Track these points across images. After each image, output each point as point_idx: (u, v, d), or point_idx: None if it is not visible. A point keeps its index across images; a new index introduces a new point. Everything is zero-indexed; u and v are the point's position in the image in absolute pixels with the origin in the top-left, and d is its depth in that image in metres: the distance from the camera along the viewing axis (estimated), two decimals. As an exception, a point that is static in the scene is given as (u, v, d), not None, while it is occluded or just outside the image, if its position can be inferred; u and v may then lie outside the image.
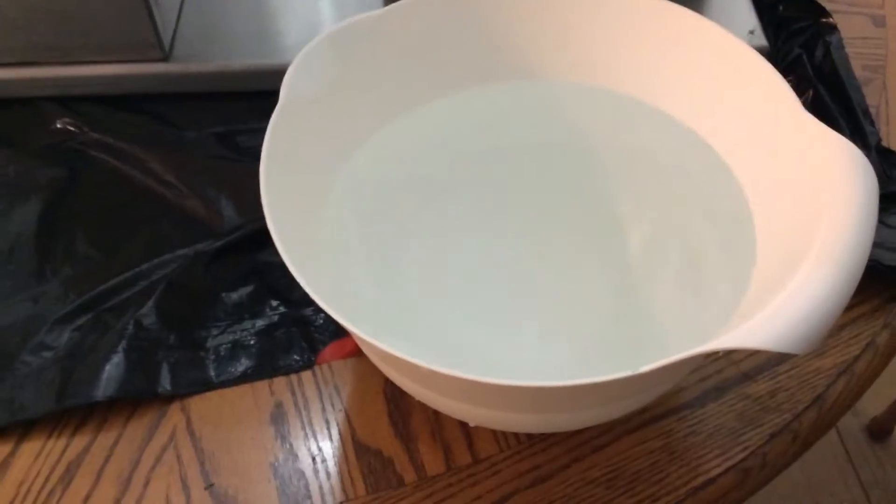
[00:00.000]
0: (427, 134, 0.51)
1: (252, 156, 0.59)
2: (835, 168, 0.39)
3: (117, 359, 0.48)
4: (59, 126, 0.61)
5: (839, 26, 0.64)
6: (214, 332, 0.51)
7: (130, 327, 0.50)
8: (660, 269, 0.46)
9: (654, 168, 0.49)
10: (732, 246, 0.45)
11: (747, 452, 0.46)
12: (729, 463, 0.46)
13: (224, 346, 0.50)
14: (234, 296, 0.53)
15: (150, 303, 0.51)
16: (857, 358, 0.49)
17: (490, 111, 0.52)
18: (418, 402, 0.47)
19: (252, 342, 0.51)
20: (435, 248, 0.48)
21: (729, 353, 0.49)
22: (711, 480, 0.45)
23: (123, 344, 0.49)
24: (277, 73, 0.62)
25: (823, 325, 0.34)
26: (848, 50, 0.63)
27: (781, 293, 0.35)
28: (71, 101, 0.62)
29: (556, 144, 0.51)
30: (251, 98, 0.63)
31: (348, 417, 0.48)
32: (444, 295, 0.46)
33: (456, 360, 0.41)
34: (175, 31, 0.63)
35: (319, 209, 0.47)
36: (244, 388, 0.49)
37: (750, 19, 0.62)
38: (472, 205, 0.49)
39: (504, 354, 0.44)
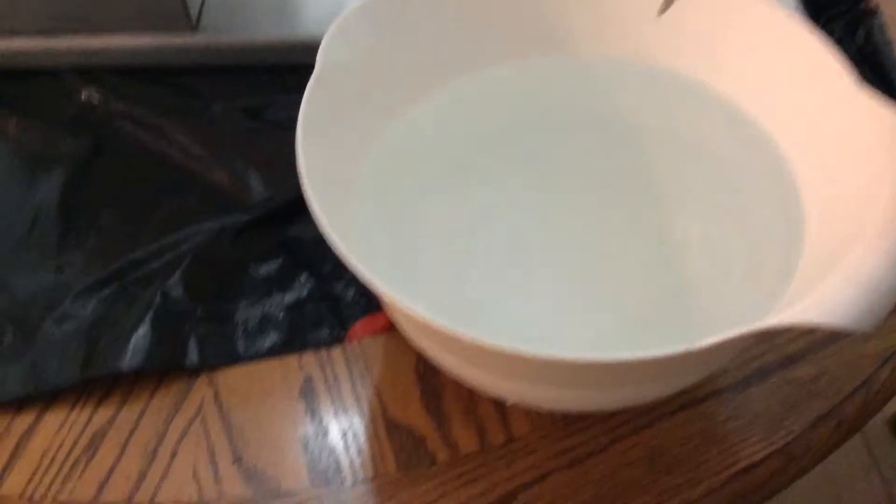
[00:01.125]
0: (461, 107, 0.49)
1: (281, 128, 0.58)
2: (890, 144, 0.37)
3: (143, 330, 0.47)
4: (83, 97, 0.60)
5: (881, 9, 0.63)
6: (242, 305, 0.50)
7: (157, 299, 0.48)
8: (705, 246, 0.45)
9: (698, 145, 0.48)
10: (781, 224, 0.43)
11: (791, 438, 0.45)
12: (771, 448, 0.44)
13: (252, 319, 0.49)
14: (263, 269, 0.51)
15: (177, 275, 0.50)
16: (902, 343, 0.48)
17: (527, 85, 0.51)
18: (451, 380, 0.46)
19: (281, 316, 0.49)
20: (470, 223, 0.47)
21: (771, 337, 0.48)
22: (753, 465, 0.44)
23: (150, 315, 0.48)
24: (305, 47, 0.61)
25: (887, 300, 0.32)
26: (891, 34, 0.62)
27: (841, 268, 0.33)
28: (96, 72, 0.61)
29: (597, 121, 0.50)
30: (278, 72, 0.62)
31: (379, 394, 0.47)
32: (478, 269, 0.45)
33: (492, 334, 0.40)
34: (203, 2, 0.62)
35: (352, 180, 0.46)
36: (273, 363, 0.48)
37: (788, 1, 0.60)
38: (508, 179, 0.48)
39: (543, 328, 0.43)
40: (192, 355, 0.47)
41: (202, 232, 0.53)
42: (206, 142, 0.57)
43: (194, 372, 0.47)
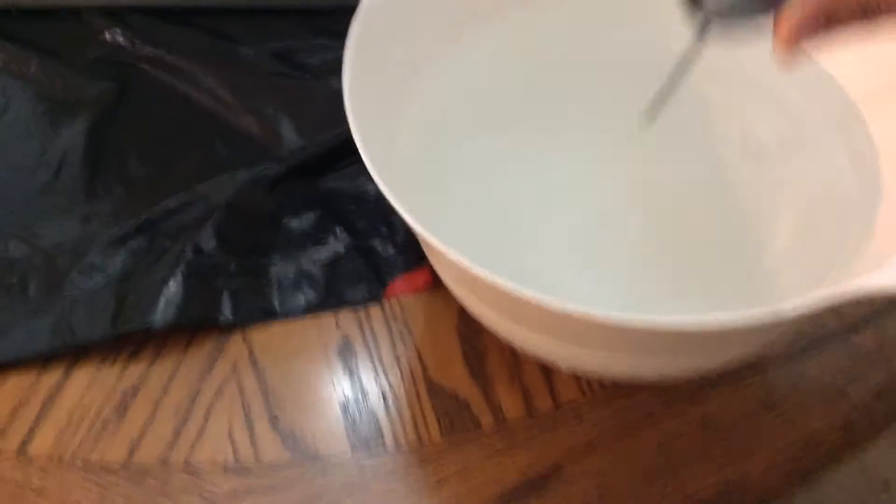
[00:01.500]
0: (510, 45, 0.46)
1: (313, 74, 0.56)
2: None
3: (175, 284, 0.45)
4: (108, 38, 0.57)
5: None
6: (277, 259, 0.48)
7: (188, 251, 0.46)
8: (770, 208, 0.42)
9: (765, 98, 0.45)
10: (855, 187, 0.41)
11: (852, 408, 0.43)
12: (832, 419, 0.42)
13: (287, 275, 0.47)
14: (297, 223, 0.49)
15: (209, 226, 0.48)
16: (969, 311, 0.45)
17: (579, 20, 0.47)
18: (494, 341, 0.44)
19: (316, 272, 0.47)
20: (515, 171, 0.44)
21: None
22: (813, 436, 0.42)
23: (181, 269, 0.46)
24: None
25: None
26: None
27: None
28: (120, 12, 0.58)
29: (655, 63, 0.47)
30: (307, 15, 0.59)
31: (420, 356, 0.45)
32: (524, 222, 0.43)
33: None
34: (232, -60, 0.59)
35: (394, 121, 0.43)
36: (309, 321, 0.46)
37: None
38: (558, 124, 0.46)
39: (591, 287, 0.41)
40: (226, 311, 0.45)
41: (234, 182, 0.50)
42: (235, 87, 0.54)
43: (228, 328, 0.45)
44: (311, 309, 0.46)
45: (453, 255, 0.31)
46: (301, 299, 0.46)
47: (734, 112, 0.45)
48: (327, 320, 0.46)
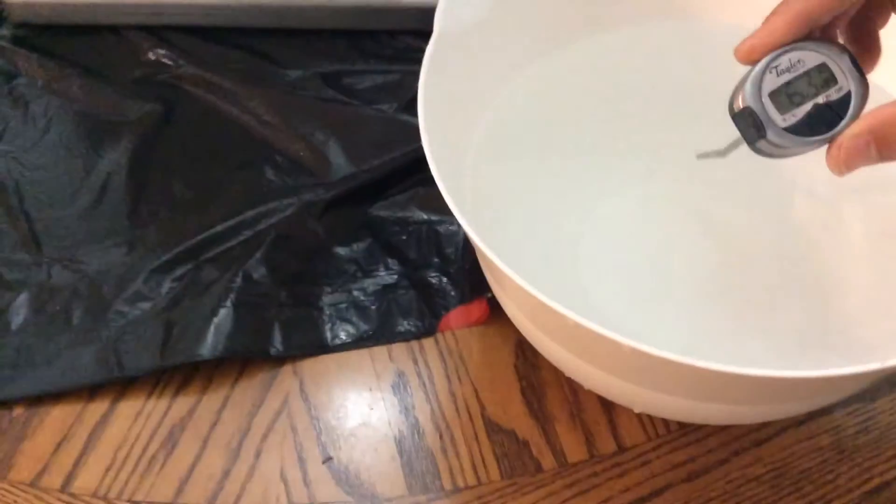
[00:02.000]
0: (578, 73, 0.45)
1: (361, 98, 0.54)
2: None
3: (225, 314, 0.44)
4: (151, 58, 0.56)
5: None
6: (328, 289, 0.46)
7: (238, 280, 0.45)
8: (843, 244, 0.41)
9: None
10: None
11: (929, 455, 0.41)
12: (909, 466, 0.41)
13: (339, 305, 0.46)
14: (348, 251, 0.48)
15: (258, 255, 0.46)
16: None
17: (645, 52, 0.46)
18: (553, 377, 0.43)
19: (368, 303, 0.46)
20: (583, 203, 0.43)
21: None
22: (887, 484, 0.40)
23: (231, 298, 0.44)
24: (386, 11, 0.58)
25: None
26: None
27: None
28: (164, 31, 0.57)
29: (718, 94, 0.45)
30: (355, 37, 0.58)
31: (476, 392, 0.43)
32: (587, 249, 0.42)
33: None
34: (279, -41, 0.58)
35: (465, 146, 0.42)
36: (361, 354, 0.44)
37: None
38: (628, 155, 0.44)
39: (652, 320, 0.40)
40: (277, 342, 0.44)
41: (282, 208, 0.49)
42: (282, 110, 0.53)
43: (278, 360, 0.44)
44: (363, 341, 0.45)
45: (537, 294, 0.29)
46: (352, 331, 0.45)
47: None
48: (380, 353, 0.44)
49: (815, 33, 0.31)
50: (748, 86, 0.31)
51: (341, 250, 0.48)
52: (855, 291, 0.41)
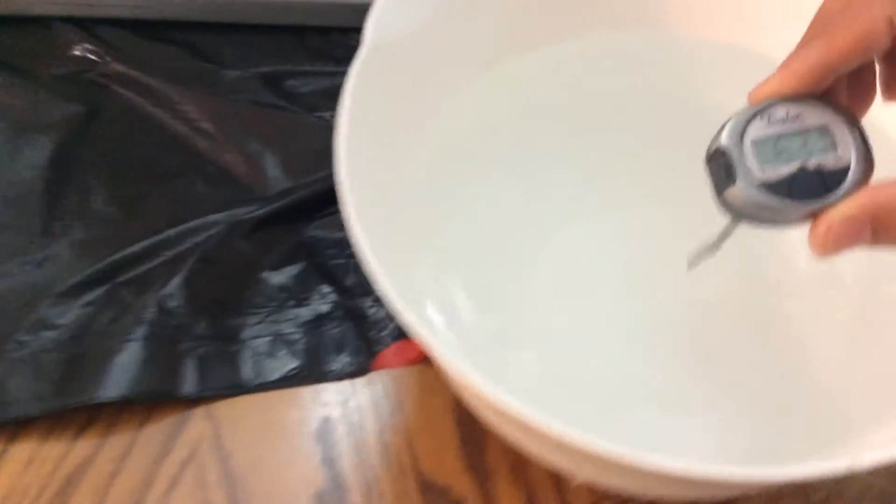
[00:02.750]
0: (530, 87, 0.41)
1: (304, 105, 0.50)
2: None
3: (134, 348, 0.39)
4: (77, 53, 0.52)
5: None
6: (252, 320, 0.42)
7: (152, 310, 0.41)
8: (822, 310, 0.36)
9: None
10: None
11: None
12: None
13: (263, 339, 0.41)
14: (278, 277, 0.43)
15: (177, 279, 0.42)
16: None
17: (605, 62, 0.42)
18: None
19: (297, 337, 0.42)
20: (539, 232, 0.39)
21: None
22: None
23: (142, 330, 0.40)
24: (335, 7, 0.53)
25: None
26: None
27: None
28: (93, 24, 0.53)
29: (687, 108, 0.41)
30: (303, 34, 0.53)
31: (410, 441, 0.39)
32: (545, 302, 0.37)
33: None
34: (220, -52, 0.53)
35: (397, 168, 0.37)
36: (285, 395, 0.40)
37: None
38: (590, 177, 0.40)
39: (608, 374, 0.35)
40: (189, 382, 0.40)
41: (209, 226, 0.45)
42: (215, 116, 0.49)
43: (191, 402, 0.40)
44: (289, 381, 0.40)
45: (484, 390, 0.25)
46: (277, 369, 0.41)
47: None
48: (307, 395, 0.40)
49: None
50: (730, 125, 0.26)
51: (271, 275, 0.43)
52: (827, 367, 0.36)
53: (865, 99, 0.28)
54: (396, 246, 0.32)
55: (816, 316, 0.37)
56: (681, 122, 0.40)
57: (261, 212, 0.45)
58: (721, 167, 0.26)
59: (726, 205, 0.27)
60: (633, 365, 0.36)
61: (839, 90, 0.27)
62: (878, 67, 0.28)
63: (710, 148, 0.27)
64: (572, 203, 0.39)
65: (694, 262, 0.30)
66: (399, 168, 0.36)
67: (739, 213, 0.26)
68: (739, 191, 0.26)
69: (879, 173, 0.37)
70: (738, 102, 0.31)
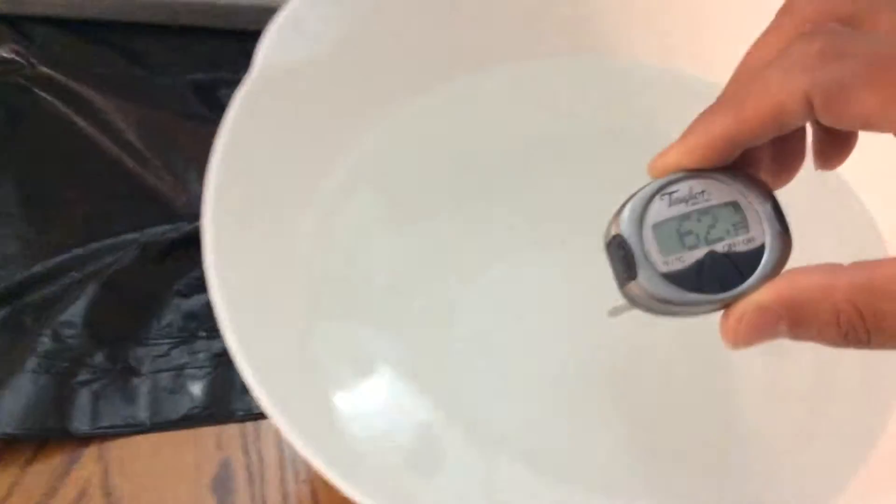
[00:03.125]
0: (445, 123, 0.38)
1: (236, 118, 0.46)
2: None
3: (22, 381, 0.37)
4: (4, 54, 0.49)
5: None
6: (156, 352, 0.39)
7: (46, 338, 0.38)
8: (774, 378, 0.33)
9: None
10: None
11: None
12: None
13: (166, 373, 0.39)
14: (188, 304, 0.41)
15: (79, 304, 0.39)
16: None
17: (525, 93, 0.39)
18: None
19: (204, 372, 0.39)
20: (449, 289, 0.36)
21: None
22: None
23: (32, 361, 0.37)
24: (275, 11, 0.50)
25: None
26: None
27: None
28: (22, 21, 0.50)
29: (619, 136, 0.38)
30: (245, 39, 0.50)
31: (314, 492, 0.36)
32: (470, 345, 0.35)
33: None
34: (157, -55, 0.50)
35: (295, 213, 0.34)
36: (184, 436, 0.37)
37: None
38: (516, 217, 0.37)
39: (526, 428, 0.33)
40: (81, 419, 0.37)
41: (121, 245, 0.42)
42: (143, 127, 0.46)
43: (82, 441, 0.37)
44: (189, 420, 0.38)
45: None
46: (178, 407, 0.38)
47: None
48: (207, 437, 0.37)
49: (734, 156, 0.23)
50: (628, 207, 0.23)
51: (181, 302, 0.41)
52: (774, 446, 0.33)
53: (791, 167, 0.25)
54: (278, 316, 0.30)
55: (768, 386, 0.34)
56: (617, 152, 0.37)
57: (177, 232, 0.42)
58: (620, 257, 0.23)
59: (629, 298, 0.23)
60: (558, 438, 0.33)
61: (760, 155, 0.24)
62: (811, 130, 0.24)
63: (607, 232, 0.23)
64: (493, 244, 0.36)
65: (615, 312, 0.27)
66: (287, 219, 0.33)
67: (645, 308, 0.23)
68: (641, 285, 0.22)
69: (843, 232, 0.34)
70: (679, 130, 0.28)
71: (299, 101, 0.33)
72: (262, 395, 0.26)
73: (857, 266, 0.21)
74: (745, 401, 0.33)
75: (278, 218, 0.33)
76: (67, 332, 0.38)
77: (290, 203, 0.34)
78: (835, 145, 0.24)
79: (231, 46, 0.50)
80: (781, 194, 0.24)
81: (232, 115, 0.30)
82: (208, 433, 0.37)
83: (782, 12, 0.23)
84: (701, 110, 0.23)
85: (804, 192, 0.26)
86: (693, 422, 0.34)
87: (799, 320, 0.21)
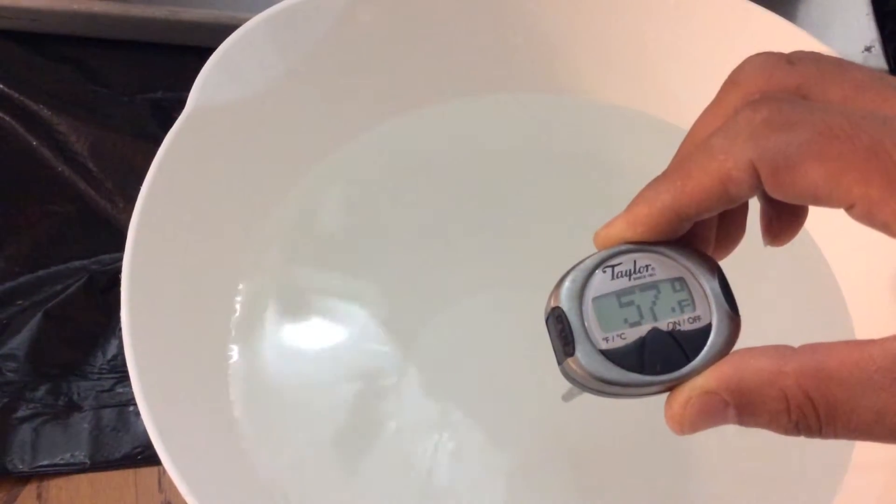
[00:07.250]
0: (390, 162, 0.37)
1: (193, 140, 0.45)
2: None
3: (-42, 417, 0.36)
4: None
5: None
6: (101, 386, 0.38)
7: (-14, 370, 0.37)
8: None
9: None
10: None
11: None
12: None
13: (110, 409, 0.38)
14: (136, 337, 0.40)
15: (22, 335, 0.38)
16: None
17: (472, 132, 0.38)
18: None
19: (149, 407, 0.38)
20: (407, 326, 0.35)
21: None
22: None
23: (-30, 395, 0.36)
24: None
25: None
26: None
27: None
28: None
29: (573, 174, 0.37)
30: (203, 54, 0.49)
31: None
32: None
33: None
34: (118, -42, 0.49)
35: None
36: (126, 476, 0.36)
37: (868, 33, 0.47)
38: (470, 256, 0.36)
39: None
40: (21, 456, 0.36)
41: (69, 274, 0.41)
42: (97, 149, 0.45)
43: (21, 479, 0.36)
44: (132, 460, 0.37)
45: None
46: (120, 446, 0.37)
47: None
48: (149, 477, 0.36)
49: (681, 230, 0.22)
50: (568, 280, 0.22)
51: (129, 335, 0.40)
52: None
53: (733, 238, 0.24)
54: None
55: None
56: (580, 188, 0.37)
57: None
58: (558, 332, 0.22)
59: (568, 377, 0.22)
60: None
61: (708, 231, 0.23)
62: (759, 203, 0.23)
63: (547, 305, 0.22)
64: (447, 284, 0.35)
65: (569, 396, 0.25)
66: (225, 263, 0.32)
67: (585, 388, 0.22)
68: (579, 362, 0.21)
69: (813, 294, 0.33)
70: (644, 164, 0.26)
71: (233, 143, 0.32)
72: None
73: (808, 349, 0.19)
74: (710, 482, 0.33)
75: (211, 266, 0.32)
76: (9, 365, 0.37)
77: (227, 247, 0.33)
78: (783, 220, 0.23)
79: (190, 64, 0.49)
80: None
81: (158, 161, 0.28)
82: (150, 474, 0.37)
83: (729, 83, 0.22)
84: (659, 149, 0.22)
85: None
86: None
87: (747, 407, 0.20)
